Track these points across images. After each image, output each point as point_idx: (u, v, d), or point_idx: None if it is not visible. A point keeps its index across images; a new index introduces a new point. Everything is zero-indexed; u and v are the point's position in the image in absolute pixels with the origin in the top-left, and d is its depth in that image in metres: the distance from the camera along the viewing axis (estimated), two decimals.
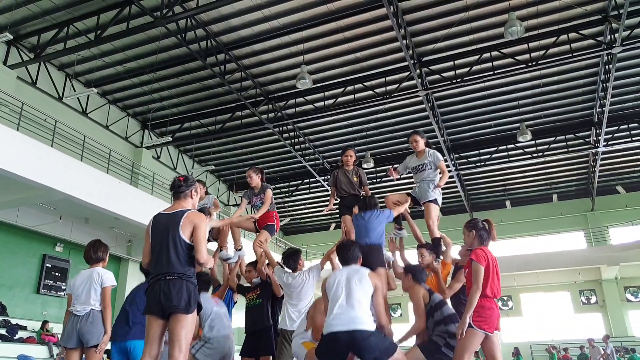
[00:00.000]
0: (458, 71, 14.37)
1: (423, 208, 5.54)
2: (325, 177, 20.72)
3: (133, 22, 12.47)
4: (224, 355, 4.82)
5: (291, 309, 5.01)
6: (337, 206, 5.90)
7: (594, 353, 15.91)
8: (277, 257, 5.85)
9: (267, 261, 5.56)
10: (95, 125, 16.00)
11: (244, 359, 5.34)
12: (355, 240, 4.77)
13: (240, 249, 6.00)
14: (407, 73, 14.57)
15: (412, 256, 5.48)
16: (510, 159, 19.17)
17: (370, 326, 3.71)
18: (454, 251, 5.50)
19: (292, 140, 18.28)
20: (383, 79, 15.12)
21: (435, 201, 5.34)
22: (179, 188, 3.90)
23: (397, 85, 15.00)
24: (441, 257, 5.26)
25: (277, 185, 21.81)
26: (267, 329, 5.30)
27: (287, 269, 5.23)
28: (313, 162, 19.71)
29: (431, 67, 14.53)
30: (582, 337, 19.26)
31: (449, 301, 4.86)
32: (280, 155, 20.21)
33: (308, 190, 22.24)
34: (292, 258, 5.24)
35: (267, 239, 5.72)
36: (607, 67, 14.35)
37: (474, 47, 14.11)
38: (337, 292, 3.87)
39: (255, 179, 5.88)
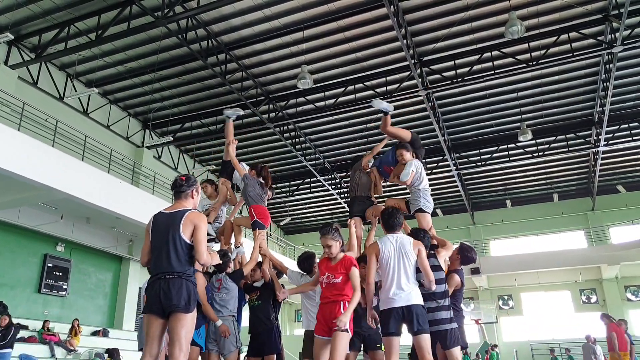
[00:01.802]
0: (459, 71, 14.38)
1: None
2: (326, 177, 20.74)
3: (134, 22, 12.49)
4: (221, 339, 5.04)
5: (311, 310, 5.07)
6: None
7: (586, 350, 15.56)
8: (277, 257, 5.86)
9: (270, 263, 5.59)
10: (96, 125, 16.02)
11: (249, 359, 5.37)
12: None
13: (239, 247, 6.02)
14: (407, 73, 14.59)
15: None
16: (511, 158, 19.17)
17: (420, 300, 4.21)
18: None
19: (293, 140, 18.31)
20: (384, 79, 15.14)
21: (421, 210, 5.28)
22: (180, 187, 3.90)
23: (397, 85, 15.01)
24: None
25: (277, 185, 21.81)
26: (268, 330, 5.32)
27: (303, 272, 5.35)
28: (314, 162, 19.72)
29: (432, 67, 14.53)
30: (582, 337, 19.24)
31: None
32: (281, 155, 20.23)
33: (309, 190, 22.25)
34: (307, 261, 5.32)
35: (262, 238, 5.71)
36: (607, 66, 14.35)
37: (474, 46, 14.12)
38: (391, 270, 4.23)
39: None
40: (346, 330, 3.99)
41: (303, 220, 26.86)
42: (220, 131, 17.39)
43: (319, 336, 4.15)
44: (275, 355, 5.26)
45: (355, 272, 4.11)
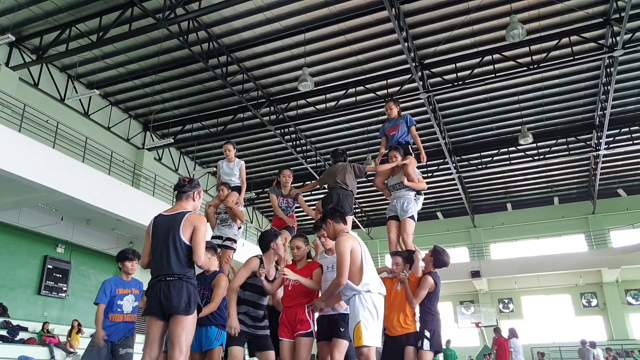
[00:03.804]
0: (460, 74, 14.38)
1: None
2: None
3: (135, 24, 12.50)
4: None
5: None
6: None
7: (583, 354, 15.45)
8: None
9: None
10: (97, 127, 16.02)
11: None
12: None
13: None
14: (408, 75, 14.58)
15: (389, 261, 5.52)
16: (512, 161, 19.16)
17: None
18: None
19: (294, 142, 18.30)
20: (384, 82, 15.15)
21: (412, 217, 5.42)
22: (182, 188, 3.92)
23: (398, 88, 15.00)
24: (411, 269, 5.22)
25: None
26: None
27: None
28: (314, 164, 19.71)
29: (433, 70, 14.54)
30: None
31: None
32: (281, 157, 20.22)
33: (309, 193, 22.21)
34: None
35: (287, 239, 5.85)
36: (608, 70, 14.35)
37: (475, 49, 14.12)
38: None
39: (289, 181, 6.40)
40: (311, 334, 4.13)
41: (303, 222, 26.83)
42: (220, 133, 17.40)
43: (284, 339, 4.27)
44: (272, 352, 5.23)
45: (319, 271, 4.43)
